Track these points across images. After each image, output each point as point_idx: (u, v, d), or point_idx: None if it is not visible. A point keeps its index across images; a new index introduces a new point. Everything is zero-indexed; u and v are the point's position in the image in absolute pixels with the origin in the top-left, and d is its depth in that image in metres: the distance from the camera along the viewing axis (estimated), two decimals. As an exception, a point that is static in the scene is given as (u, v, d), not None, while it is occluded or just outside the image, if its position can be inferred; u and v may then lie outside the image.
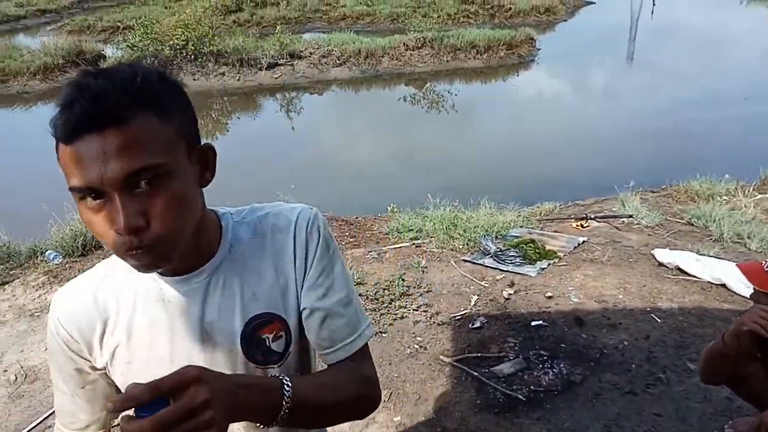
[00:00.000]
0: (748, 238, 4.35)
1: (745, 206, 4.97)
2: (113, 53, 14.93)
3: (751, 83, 12.32)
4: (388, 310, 3.60)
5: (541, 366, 3.00)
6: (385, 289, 3.84)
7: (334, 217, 5.55)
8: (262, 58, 13.91)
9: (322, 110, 13.32)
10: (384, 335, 3.35)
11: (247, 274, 0.97)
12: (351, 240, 4.94)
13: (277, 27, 15.63)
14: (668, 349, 3.10)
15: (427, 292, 3.84)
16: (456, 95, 13.02)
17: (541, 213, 5.36)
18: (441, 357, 3.11)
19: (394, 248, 4.60)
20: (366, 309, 3.62)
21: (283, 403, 0.80)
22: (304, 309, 0.99)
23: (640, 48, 17.01)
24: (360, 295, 3.78)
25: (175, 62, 13.58)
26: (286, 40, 14.29)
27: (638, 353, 3.08)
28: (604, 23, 21.51)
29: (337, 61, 14.56)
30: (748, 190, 5.43)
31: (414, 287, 3.90)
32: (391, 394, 2.84)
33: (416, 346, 3.23)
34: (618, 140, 9.36)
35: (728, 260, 4.03)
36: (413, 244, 4.67)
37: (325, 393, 0.91)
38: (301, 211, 1.02)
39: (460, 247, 4.52)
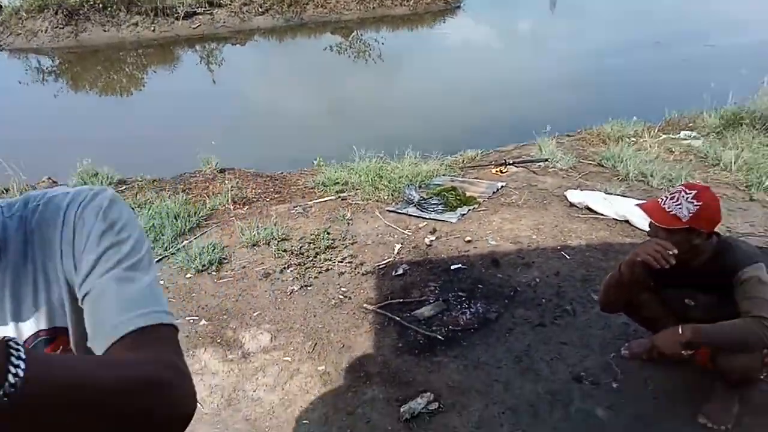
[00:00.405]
0: (651, 176, 4.65)
1: (650, 146, 5.29)
2: (11, 1, 13.63)
3: (663, 28, 12.86)
4: (314, 264, 3.65)
5: (459, 307, 3.16)
6: (310, 243, 3.88)
7: (258, 173, 5.48)
8: (179, 6, 13.14)
9: (245, 62, 12.84)
10: (309, 288, 3.41)
11: (21, 281, 0.78)
12: (276, 196, 4.90)
13: (192, -27, 14.71)
14: (575, 283, 3.34)
15: (352, 243, 3.91)
16: (383, 44, 12.87)
17: (464, 161, 5.49)
18: (365, 305, 3.21)
19: (320, 202, 4.62)
20: (291, 264, 3.66)
21: (9, 370, 0.49)
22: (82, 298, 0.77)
23: (562, -7, 17.28)
24: (285, 250, 3.81)
25: (81, 12, 12.60)
26: (203, -13, 13.53)
27: (548, 289, 3.30)
28: (528, -32, 21.59)
29: (260, 9, 13.98)
30: (654, 131, 5.78)
31: (339, 240, 3.95)
32: (315, 345, 2.92)
33: (341, 297, 3.32)
34: (539, 86, 9.59)
35: (632, 198, 4.32)
36: (339, 197, 4.70)
37: (97, 368, 0.61)
38: (74, 195, 0.81)
39: (385, 197, 4.60)
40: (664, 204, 2.17)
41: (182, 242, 4.03)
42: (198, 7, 13.41)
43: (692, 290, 2.32)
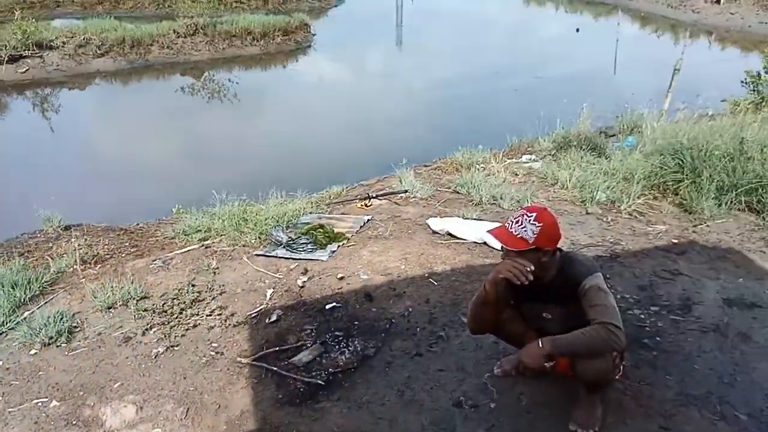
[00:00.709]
0: (501, 198, 5.04)
1: (498, 171, 5.74)
2: None
3: (497, 62, 14.20)
4: (179, 321, 3.40)
5: (337, 347, 3.12)
6: (174, 299, 3.62)
7: (110, 227, 5.05)
8: (1, 49, 11.84)
9: (86, 107, 11.88)
10: (176, 348, 3.17)
11: None
12: (132, 250, 4.53)
13: (16, 12, 13.41)
14: (445, 308, 3.47)
15: (220, 294, 3.71)
16: (237, 83, 12.67)
17: (330, 197, 5.52)
18: (239, 359, 3.05)
19: (182, 253, 4.35)
20: (154, 324, 3.38)
21: None
22: None
23: (406, 31, 18.40)
24: (145, 310, 3.51)
25: None
26: (30, 28, 12.35)
27: (421, 317, 3.39)
28: (372, 8, 22.75)
29: (98, 51, 13.07)
30: (499, 157, 6.29)
31: (206, 291, 3.74)
32: (188, 410, 2.70)
33: (212, 353, 3.12)
34: (395, 119, 10.04)
35: (487, 220, 4.63)
36: (202, 245, 4.46)
37: None
38: None
39: (252, 241, 4.45)
40: (510, 228, 2.34)
41: (23, 314, 3.55)
42: (24, 50, 12.20)
43: (547, 304, 2.51)
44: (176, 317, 3.43)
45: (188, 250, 4.38)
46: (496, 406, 2.67)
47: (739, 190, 4.76)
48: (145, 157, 8.50)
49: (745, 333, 3.20)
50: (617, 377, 2.68)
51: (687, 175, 5.01)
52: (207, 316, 3.45)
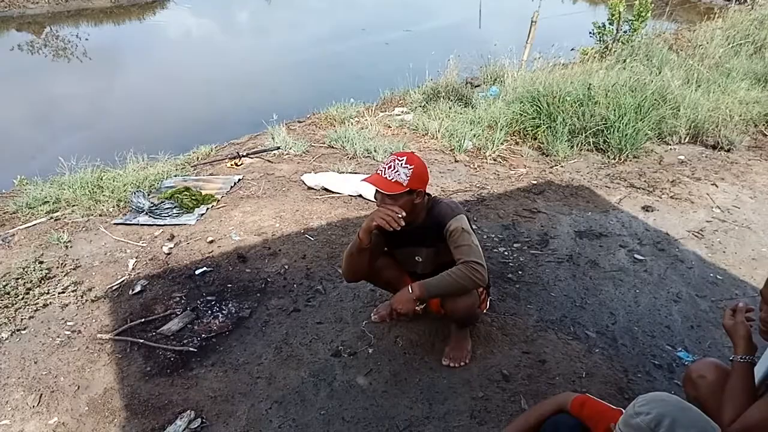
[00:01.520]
0: (375, 151, 5.06)
1: (371, 125, 5.74)
2: None
3: (368, 17, 14.07)
4: (25, 302, 3.05)
5: (210, 312, 2.99)
6: (18, 279, 3.23)
7: (-67, 205, 4.36)
8: None
9: None
10: (23, 332, 2.84)
11: None
12: (-36, 230, 3.97)
13: None
14: (322, 262, 3.45)
15: (74, 269, 3.38)
16: (87, 40, 11.44)
17: (197, 158, 5.21)
18: (99, 336, 2.81)
19: (26, 228, 3.88)
20: (-5, 308, 3.00)
21: None
22: None
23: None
24: (-17, 294, 3.10)
25: None
26: None
27: (298, 273, 3.34)
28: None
29: None
30: (372, 110, 6.29)
31: (57, 267, 3.38)
32: (41, 396, 2.45)
33: (68, 333, 2.84)
34: (265, 76, 9.65)
35: (362, 173, 4.64)
36: (51, 218, 4.01)
37: None
38: None
39: (110, 210, 4.09)
40: (384, 174, 2.34)
41: None
42: None
43: (418, 247, 2.56)
44: (22, 298, 3.07)
45: (33, 225, 3.92)
46: (374, 351, 2.73)
47: (587, 132, 5.18)
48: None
49: (593, 260, 3.53)
50: (484, 311, 2.84)
51: (543, 120, 5.35)
52: (59, 293, 3.13)
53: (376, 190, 2.38)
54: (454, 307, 2.46)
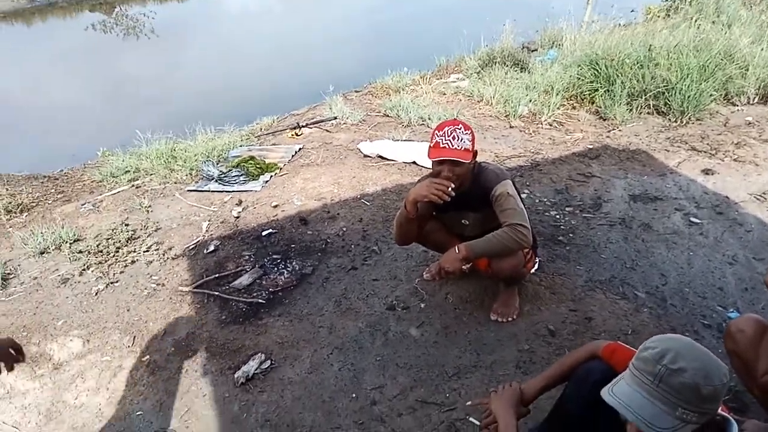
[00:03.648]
0: (429, 118, 5.16)
1: (426, 93, 5.83)
2: None
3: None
4: (116, 259, 3.43)
5: (276, 269, 3.26)
6: (108, 239, 3.62)
7: (32, 175, 4.88)
8: None
9: (-12, 52, 10.96)
10: (116, 284, 3.22)
11: None
12: (59, 197, 4.43)
13: None
14: (378, 225, 3.64)
15: (156, 230, 3.74)
16: (153, 18, 11.95)
17: (260, 129, 5.49)
18: (180, 288, 3.14)
19: (112, 194, 4.29)
20: (91, 264, 3.40)
21: None
22: None
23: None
24: (80, 252, 3.51)
25: None
26: None
27: (355, 235, 3.56)
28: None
29: (-8, -11, 11.93)
30: (427, 78, 6.36)
31: (141, 229, 3.75)
32: (135, 338, 2.81)
33: (153, 286, 3.19)
34: (323, 48, 9.82)
35: (417, 141, 4.77)
36: (133, 185, 4.41)
37: None
38: None
39: (184, 178, 4.44)
40: (453, 145, 2.40)
41: (-52, 268, 3.48)
42: None
43: (465, 212, 2.69)
44: (113, 255, 3.45)
45: (118, 192, 4.32)
46: (425, 306, 2.91)
47: (647, 95, 5.07)
48: (63, 101, 8.05)
49: (647, 224, 3.55)
50: (532, 271, 2.95)
51: (602, 84, 5.27)
52: (144, 252, 3.50)
53: (439, 162, 2.46)
54: (500, 266, 2.58)
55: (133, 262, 3.41)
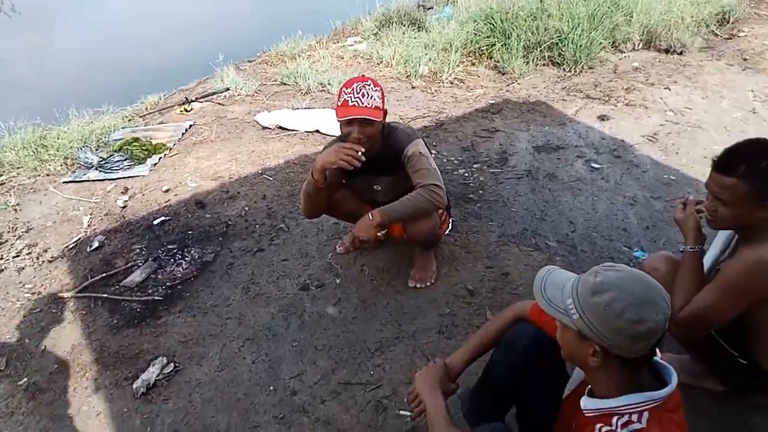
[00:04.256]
0: (329, 84, 4.92)
1: (323, 57, 5.55)
2: None
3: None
4: (-23, 271, 2.97)
5: (172, 260, 2.95)
6: (-32, 247, 3.13)
7: None
8: None
9: None
10: (-19, 300, 2.78)
11: None
12: None
13: None
14: (283, 201, 3.41)
15: (27, 231, 3.28)
16: (10, -8, 10.57)
17: (146, 108, 4.99)
18: (61, 295, 2.76)
19: (-30, 195, 3.72)
20: (-52, 279, 2.91)
21: None
22: None
23: None
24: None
25: None
26: None
27: (259, 214, 3.30)
28: None
29: None
30: (324, 43, 6.07)
31: (8, 232, 3.27)
32: (8, 360, 2.43)
33: (28, 296, 2.78)
34: (211, 17, 9.17)
35: (317, 108, 4.53)
36: (-5, 183, 3.85)
37: None
38: None
39: (58, 168, 3.93)
40: (363, 103, 2.23)
41: None
42: None
43: (376, 176, 2.53)
44: (-28, 268, 2.98)
45: (-23, 192, 3.76)
46: (341, 281, 2.75)
47: (542, 47, 5.11)
48: None
49: (552, 173, 3.57)
50: (446, 233, 2.87)
51: (498, 38, 5.25)
52: (14, 258, 3.05)
53: (348, 123, 2.27)
54: (416, 230, 2.46)
55: (0, 270, 2.96)
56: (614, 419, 1.16)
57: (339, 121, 2.29)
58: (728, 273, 1.70)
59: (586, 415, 1.23)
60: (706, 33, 5.68)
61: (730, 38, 5.61)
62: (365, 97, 2.24)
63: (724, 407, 1.97)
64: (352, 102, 2.24)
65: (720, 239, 1.93)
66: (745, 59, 5.11)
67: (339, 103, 2.28)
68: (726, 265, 1.77)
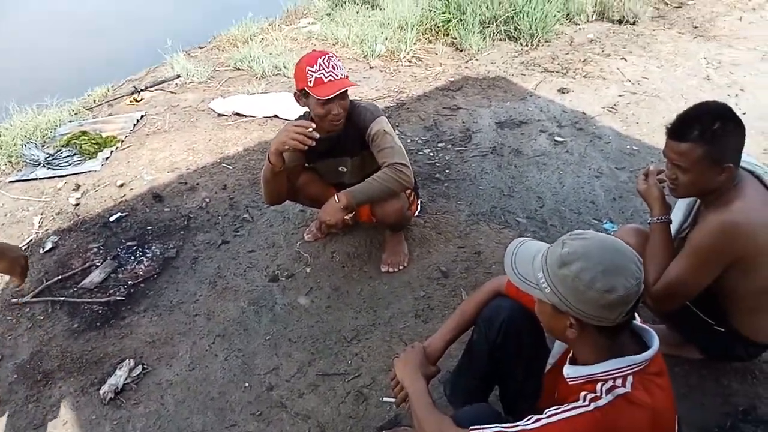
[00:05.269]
0: (285, 67, 4.78)
1: (276, 40, 5.39)
2: None
3: None
4: None
5: (133, 258, 2.83)
6: None
7: None
8: None
9: None
10: (-74, 312, 2.60)
11: None
12: None
13: None
14: (245, 190, 3.30)
15: (-29, 237, 3.08)
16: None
17: (94, 100, 4.76)
18: (14, 301, 2.61)
19: None
20: None
21: None
22: None
23: None
24: None
25: None
26: None
27: (221, 204, 3.19)
28: None
29: None
30: (276, 25, 5.89)
31: (-49, 238, 3.07)
32: (-40, 374, 2.29)
33: (-23, 304, 2.63)
34: (159, 2, 8.79)
35: (274, 92, 4.40)
36: (-67, 186, 3.60)
37: None
38: None
39: (2, 168, 3.71)
40: (337, 74, 2.15)
41: None
42: None
43: (340, 157, 2.46)
44: None
45: None
46: (312, 270, 2.69)
47: (498, 21, 5.09)
48: None
49: (517, 149, 3.57)
50: (416, 214, 2.83)
51: (453, 14, 5.19)
52: (-41, 265, 2.86)
53: (328, 100, 2.15)
54: (384, 212, 2.41)
55: (-55, 280, 2.78)
56: (598, 385, 1.15)
57: (320, 100, 2.15)
58: (697, 240, 1.71)
59: (570, 383, 1.22)
60: (656, 2, 5.76)
61: (680, 6, 5.70)
62: (337, 69, 2.16)
63: (704, 374, 2.01)
64: (327, 78, 2.14)
65: (680, 207, 1.94)
66: (695, 27, 5.21)
67: (311, 84, 2.14)
68: (693, 232, 1.78)
